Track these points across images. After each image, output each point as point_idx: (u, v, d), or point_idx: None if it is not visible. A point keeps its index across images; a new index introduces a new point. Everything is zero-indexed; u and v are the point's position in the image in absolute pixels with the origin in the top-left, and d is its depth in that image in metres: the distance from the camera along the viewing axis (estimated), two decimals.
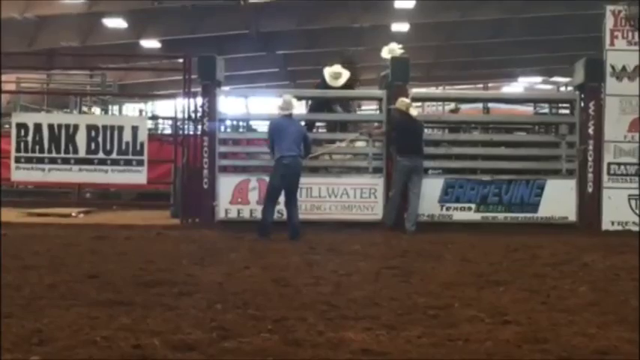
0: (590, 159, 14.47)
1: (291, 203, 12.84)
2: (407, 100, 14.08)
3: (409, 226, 13.86)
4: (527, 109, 19.83)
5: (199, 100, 14.87)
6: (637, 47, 14.36)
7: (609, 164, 14.38)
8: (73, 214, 15.69)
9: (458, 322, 6.60)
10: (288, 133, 12.75)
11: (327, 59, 16.34)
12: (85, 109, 22.13)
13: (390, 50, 15.78)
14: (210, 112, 14.61)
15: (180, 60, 16.39)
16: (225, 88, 16.22)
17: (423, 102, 16.83)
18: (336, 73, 15.05)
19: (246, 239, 12.29)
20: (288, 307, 7.16)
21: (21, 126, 15.15)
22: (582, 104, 14.67)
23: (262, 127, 16.97)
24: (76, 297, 7.46)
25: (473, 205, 14.44)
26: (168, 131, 23.08)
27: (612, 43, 14.48)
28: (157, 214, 15.43)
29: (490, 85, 39.85)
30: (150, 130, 20.52)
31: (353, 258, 10.48)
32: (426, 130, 15.29)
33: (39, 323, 6.30)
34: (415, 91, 15.70)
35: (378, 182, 14.42)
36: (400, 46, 16.21)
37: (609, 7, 14.49)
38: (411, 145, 14.02)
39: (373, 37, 27.75)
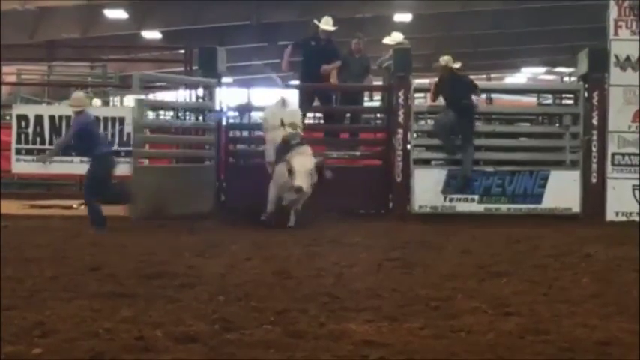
0: (594, 150, 14.42)
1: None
2: (447, 57, 14.23)
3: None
4: (531, 99, 19.80)
5: (200, 91, 14.85)
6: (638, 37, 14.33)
7: (613, 155, 14.33)
8: (75, 206, 15.66)
9: (460, 314, 6.60)
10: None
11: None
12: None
13: (393, 39, 15.90)
14: (211, 103, 14.62)
15: (182, 51, 16.36)
16: (227, 79, 16.20)
17: (425, 93, 16.79)
18: None
19: (248, 231, 12.29)
20: (290, 298, 7.16)
21: (22, 118, 15.15)
22: (586, 95, 14.63)
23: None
24: (78, 289, 7.48)
25: (476, 197, 14.41)
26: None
27: (616, 33, 14.42)
28: None
29: (493, 75, 39.80)
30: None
31: (354, 249, 10.47)
32: (428, 122, 15.31)
33: (41, 315, 6.31)
34: (417, 81, 15.69)
35: None
36: (403, 37, 16.30)
37: None
38: (455, 100, 14.13)
39: (375, 28, 27.72)
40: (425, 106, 15.89)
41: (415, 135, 14.80)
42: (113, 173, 12.72)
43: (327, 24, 15.47)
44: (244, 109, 15.72)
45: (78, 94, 13.30)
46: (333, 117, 16.23)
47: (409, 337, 5.86)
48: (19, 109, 16.02)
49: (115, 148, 15.01)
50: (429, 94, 15.53)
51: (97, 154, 12.47)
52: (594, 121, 14.47)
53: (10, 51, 19.20)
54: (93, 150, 12.45)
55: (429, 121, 15.56)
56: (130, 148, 14.72)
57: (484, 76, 38.16)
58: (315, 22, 15.72)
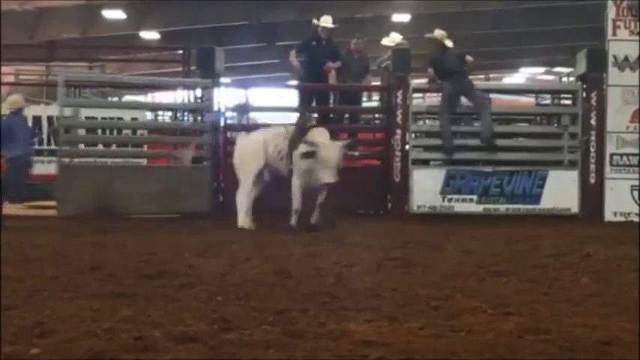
0: (592, 150, 14.43)
1: None
2: (442, 31, 14.28)
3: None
4: (529, 100, 19.83)
5: (199, 92, 14.86)
6: (638, 37, 14.33)
7: (611, 155, 14.34)
8: None
9: (460, 314, 6.58)
10: None
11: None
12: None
13: (392, 39, 15.95)
14: (209, 103, 14.63)
15: (180, 51, 16.36)
16: (226, 80, 16.21)
17: (424, 93, 16.84)
18: None
19: (247, 230, 12.29)
20: (290, 298, 7.14)
21: None
22: (584, 95, 14.64)
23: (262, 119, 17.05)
24: (77, 289, 7.46)
25: (475, 197, 14.41)
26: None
27: (614, 34, 14.45)
28: None
29: (492, 75, 39.82)
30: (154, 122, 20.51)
31: (354, 249, 10.46)
32: (427, 122, 15.33)
33: (40, 315, 6.28)
34: (416, 82, 15.70)
35: None
36: (402, 37, 16.34)
37: None
38: (450, 70, 14.22)
39: (374, 28, 27.74)
40: (424, 107, 15.91)
41: (414, 135, 14.81)
42: (29, 172, 13.32)
43: (326, 22, 15.50)
44: (242, 109, 15.73)
45: (15, 97, 13.97)
46: (330, 117, 16.25)
47: (409, 337, 5.85)
48: None
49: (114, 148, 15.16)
50: (427, 95, 15.60)
51: (15, 152, 12.98)
52: (593, 122, 14.49)
53: (8, 51, 19.21)
54: (12, 148, 12.93)
55: (427, 121, 15.58)
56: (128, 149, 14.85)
57: (482, 76, 38.19)
58: (315, 21, 15.74)
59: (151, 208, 13.96)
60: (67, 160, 14.42)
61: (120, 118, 16.60)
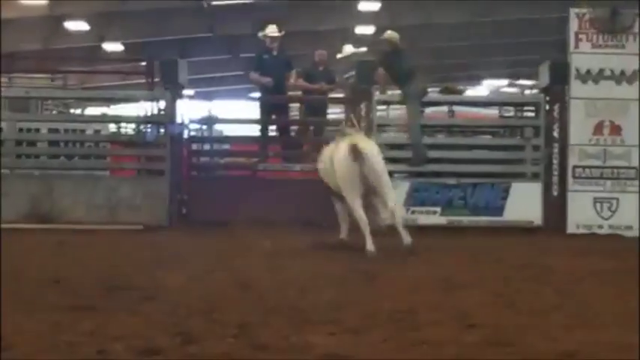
0: (555, 162, 14.51)
1: None
2: (394, 33, 14.43)
3: None
4: (492, 112, 19.91)
5: (162, 104, 14.80)
6: (602, 50, 14.45)
7: (574, 167, 14.44)
8: None
9: (422, 326, 6.57)
10: None
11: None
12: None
13: (346, 52, 16.10)
14: (171, 115, 14.56)
15: (143, 63, 16.30)
16: (189, 92, 16.19)
17: (387, 105, 16.86)
18: None
19: (211, 243, 12.24)
20: (253, 311, 7.10)
21: None
22: (547, 107, 14.73)
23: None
24: (37, 302, 7.37)
25: (438, 209, 14.44)
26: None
27: (577, 46, 14.56)
28: None
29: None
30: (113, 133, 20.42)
31: (318, 262, 10.45)
32: (391, 134, 15.34)
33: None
34: (379, 94, 15.71)
35: None
36: (355, 49, 16.46)
37: (574, 10, 14.57)
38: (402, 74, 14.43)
39: (338, 40, 27.77)
40: (387, 119, 15.93)
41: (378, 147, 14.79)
42: None
43: (272, 31, 15.54)
44: (208, 121, 15.74)
45: None
46: (288, 130, 16.27)
47: (372, 350, 5.83)
48: None
49: (77, 160, 15.08)
50: (391, 107, 15.63)
51: None
52: (555, 134, 14.57)
53: None
54: None
55: (391, 133, 15.60)
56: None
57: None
58: (260, 34, 15.75)
59: (95, 219, 13.94)
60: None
61: (82, 131, 16.46)
